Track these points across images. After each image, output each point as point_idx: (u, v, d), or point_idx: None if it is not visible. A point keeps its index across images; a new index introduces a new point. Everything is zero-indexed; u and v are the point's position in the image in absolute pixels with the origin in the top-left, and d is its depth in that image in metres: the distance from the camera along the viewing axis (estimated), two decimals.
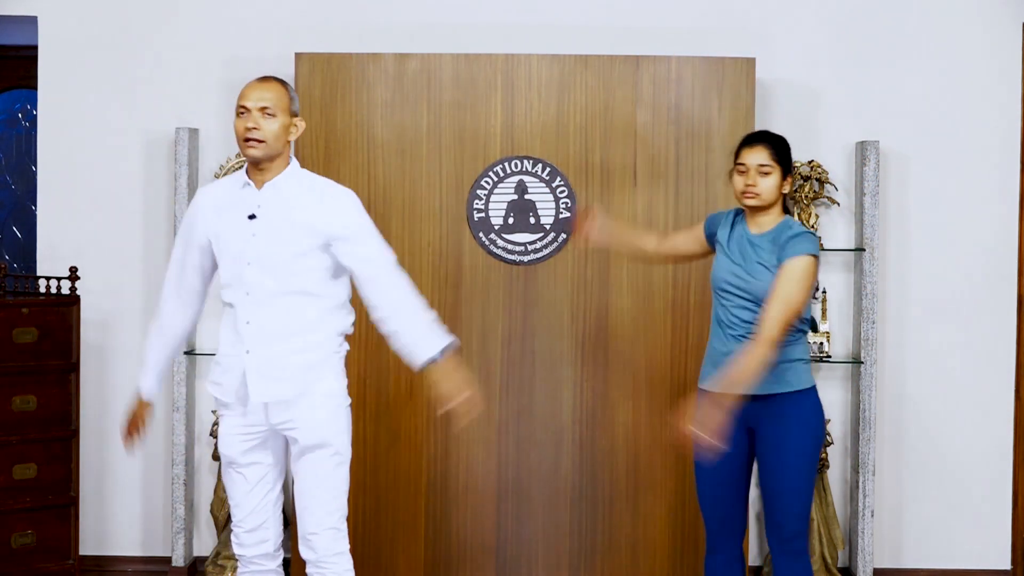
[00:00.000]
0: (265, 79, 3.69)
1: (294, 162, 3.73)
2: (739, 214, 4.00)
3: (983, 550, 5.36)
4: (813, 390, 3.90)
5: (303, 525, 3.73)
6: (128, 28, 5.35)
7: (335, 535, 3.71)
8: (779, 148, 3.92)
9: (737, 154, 3.95)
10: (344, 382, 3.77)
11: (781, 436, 3.85)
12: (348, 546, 3.76)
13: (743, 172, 3.90)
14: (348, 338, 3.81)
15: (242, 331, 3.65)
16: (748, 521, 4.07)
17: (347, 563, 3.74)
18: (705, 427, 3.70)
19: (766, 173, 3.88)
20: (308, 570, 3.76)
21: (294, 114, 3.68)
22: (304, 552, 3.74)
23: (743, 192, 3.89)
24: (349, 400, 3.78)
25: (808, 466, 3.88)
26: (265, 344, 3.64)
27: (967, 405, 5.36)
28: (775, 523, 3.89)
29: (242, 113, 3.63)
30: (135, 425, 3.86)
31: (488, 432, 5.07)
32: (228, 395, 3.71)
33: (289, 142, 3.68)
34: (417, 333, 3.71)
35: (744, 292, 3.85)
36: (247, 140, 3.60)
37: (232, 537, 3.84)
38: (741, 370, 3.72)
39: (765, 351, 3.73)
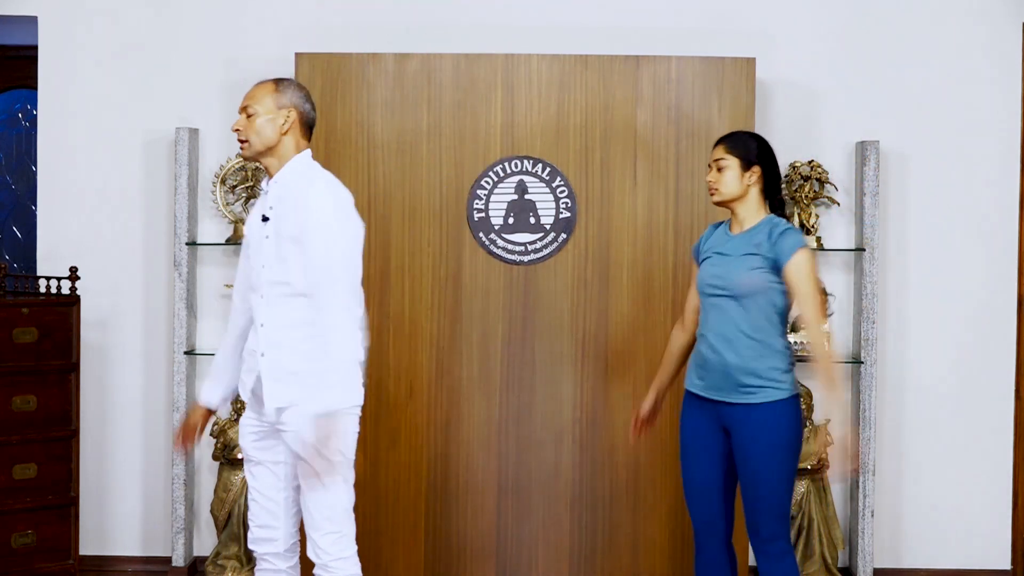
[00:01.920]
0: (262, 80, 3.73)
1: (302, 156, 3.70)
2: (720, 224, 4.06)
3: (983, 550, 5.36)
4: (790, 400, 3.89)
5: (306, 527, 3.72)
6: (128, 28, 5.35)
7: (337, 539, 3.67)
8: (736, 141, 3.97)
9: None
10: (339, 390, 3.59)
11: (749, 440, 3.86)
12: (354, 550, 3.71)
13: (709, 171, 4.01)
14: None
15: (259, 333, 3.65)
16: (734, 521, 4.06)
17: (351, 568, 3.70)
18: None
19: (722, 167, 3.93)
20: (315, 572, 3.72)
21: (282, 106, 3.66)
22: (310, 554, 3.72)
23: (708, 190, 3.99)
24: (351, 407, 3.63)
25: (778, 472, 3.88)
26: (275, 347, 3.62)
27: (967, 405, 5.36)
28: (752, 526, 3.91)
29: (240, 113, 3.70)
30: (190, 435, 3.87)
31: (488, 432, 5.08)
32: (245, 393, 3.73)
33: (284, 135, 3.65)
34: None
35: (724, 289, 3.87)
36: (238, 140, 3.69)
37: (248, 533, 3.83)
38: (830, 372, 3.95)
39: (827, 353, 3.99)
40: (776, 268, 3.84)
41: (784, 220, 3.92)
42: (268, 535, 3.76)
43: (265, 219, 3.65)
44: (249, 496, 3.80)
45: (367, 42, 5.24)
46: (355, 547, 3.73)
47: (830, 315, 5.23)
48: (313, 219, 3.53)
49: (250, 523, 3.81)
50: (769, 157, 3.96)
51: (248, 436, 3.75)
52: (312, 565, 3.73)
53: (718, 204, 3.98)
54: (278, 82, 3.71)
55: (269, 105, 3.65)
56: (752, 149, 3.94)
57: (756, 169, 3.93)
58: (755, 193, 3.94)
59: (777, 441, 3.87)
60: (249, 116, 3.66)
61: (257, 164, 5.19)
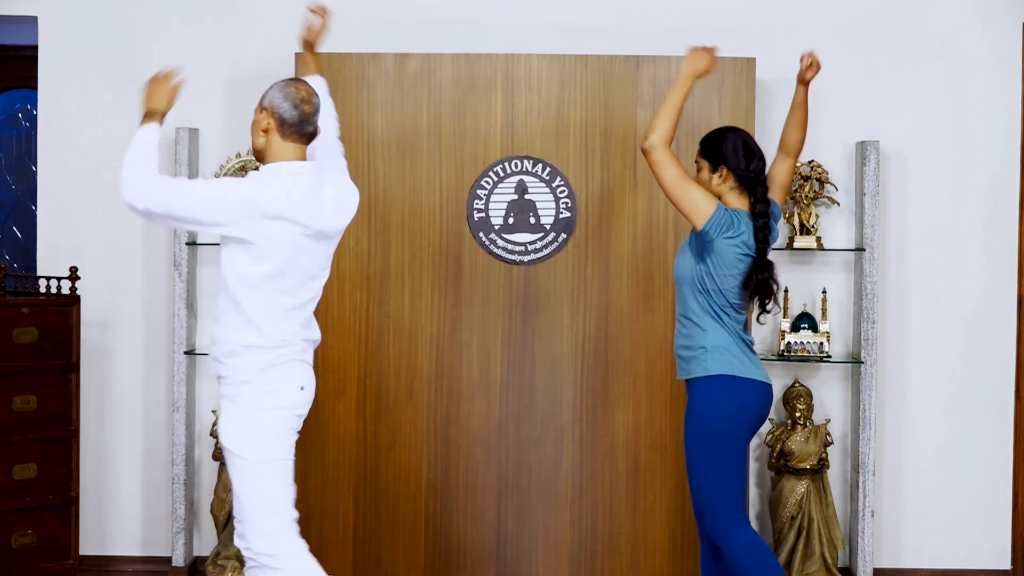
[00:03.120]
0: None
1: (276, 164, 3.67)
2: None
3: (983, 550, 5.36)
4: (710, 380, 3.94)
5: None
6: (128, 28, 5.35)
7: (238, 540, 3.69)
8: (707, 144, 4.08)
9: None
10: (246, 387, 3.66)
11: (685, 421, 4.02)
12: (253, 549, 3.64)
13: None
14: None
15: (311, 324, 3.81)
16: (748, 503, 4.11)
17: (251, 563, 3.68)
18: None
19: (698, 169, 4.09)
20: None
21: (263, 108, 3.67)
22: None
23: None
24: (257, 405, 3.65)
25: (695, 456, 3.95)
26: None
27: (967, 405, 5.36)
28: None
29: None
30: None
31: (488, 432, 5.08)
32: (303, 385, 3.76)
33: (269, 137, 3.65)
34: None
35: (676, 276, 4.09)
36: None
37: (286, 532, 3.68)
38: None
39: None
40: (699, 244, 3.96)
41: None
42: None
43: None
44: (287, 492, 3.69)
45: (367, 42, 5.24)
46: (250, 543, 3.66)
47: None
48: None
49: (292, 517, 3.70)
50: (736, 153, 4.01)
51: (293, 440, 3.75)
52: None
53: None
54: (273, 84, 3.71)
55: (258, 110, 3.68)
56: (717, 150, 4.04)
57: (723, 170, 4.02)
58: (727, 191, 4.02)
59: (689, 419, 3.98)
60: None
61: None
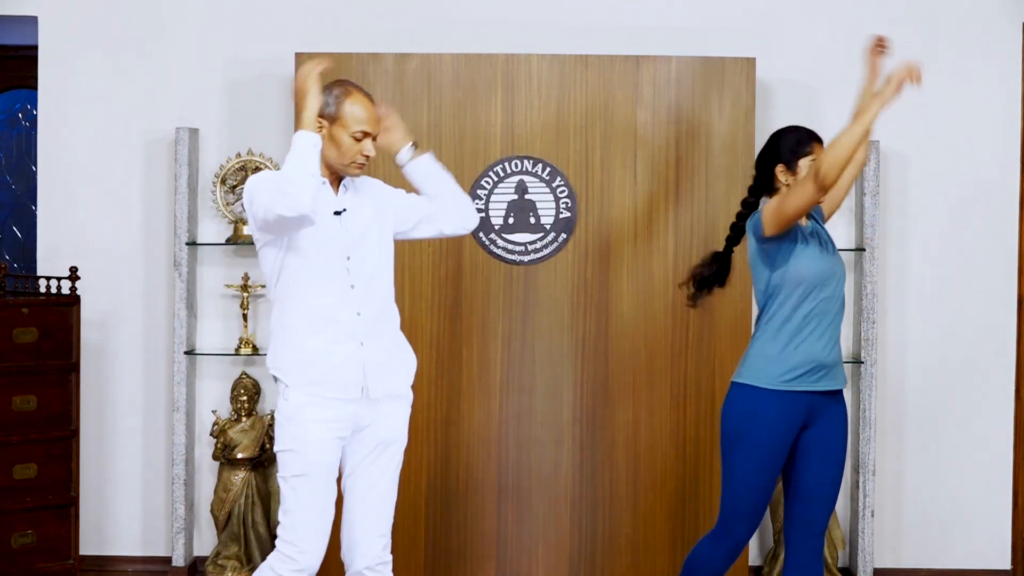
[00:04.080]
0: (370, 99, 3.68)
1: None
2: None
3: (983, 550, 5.36)
4: None
5: (353, 532, 3.66)
6: (128, 28, 5.35)
7: (384, 543, 3.68)
8: None
9: (806, 151, 3.97)
10: None
11: (838, 433, 3.89)
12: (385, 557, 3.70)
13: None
14: None
15: (353, 323, 3.57)
16: None
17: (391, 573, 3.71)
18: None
19: (797, 172, 3.95)
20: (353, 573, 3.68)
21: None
22: (350, 559, 3.67)
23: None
24: None
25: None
26: (377, 336, 3.62)
27: (967, 405, 5.36)
28: (809, 520, 3.86)
29: (360, 137, 3.60)
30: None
31: (488, 432, 5.08)
32: (348, 390, 3.54)
33: None
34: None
35: (836, 281, 3.97)
36: (359, 163, 3.63)
37: (289, 558, 3.58)
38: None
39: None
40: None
41: None
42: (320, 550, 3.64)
43: (337, 213, 3.61)
44: (313, 514, 3.56)
45: (367, 42, 5.24)
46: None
47: None
48: (392, 188, 3.90)
49: (307, 551, 3.57)
50: None
51: (334, 449, 3.57)
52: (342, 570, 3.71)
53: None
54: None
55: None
56: None
57: None
58: None
59: (847, 428, 3.95)
60: (376, 140, 3.67)
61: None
